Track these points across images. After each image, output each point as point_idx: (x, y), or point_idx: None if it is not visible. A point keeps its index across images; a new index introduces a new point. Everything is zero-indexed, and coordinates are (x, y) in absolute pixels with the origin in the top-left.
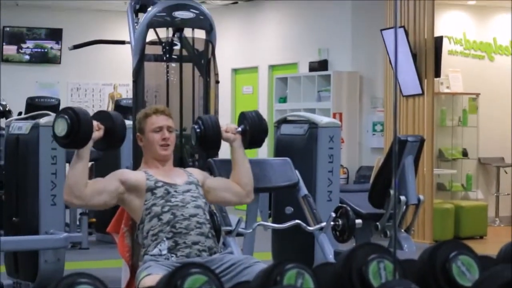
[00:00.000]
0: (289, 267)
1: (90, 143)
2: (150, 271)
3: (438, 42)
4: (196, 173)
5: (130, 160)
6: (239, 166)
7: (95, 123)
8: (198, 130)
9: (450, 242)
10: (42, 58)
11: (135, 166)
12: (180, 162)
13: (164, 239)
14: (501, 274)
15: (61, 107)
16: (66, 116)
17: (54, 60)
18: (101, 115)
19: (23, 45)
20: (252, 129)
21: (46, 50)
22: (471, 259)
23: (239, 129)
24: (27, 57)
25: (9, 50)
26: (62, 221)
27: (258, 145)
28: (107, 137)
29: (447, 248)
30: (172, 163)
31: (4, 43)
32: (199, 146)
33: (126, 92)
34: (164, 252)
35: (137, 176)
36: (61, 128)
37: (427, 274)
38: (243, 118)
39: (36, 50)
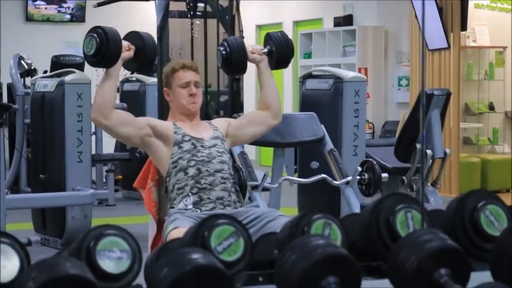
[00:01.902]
0: (316, 217)
1: (120, 63)
2: (177, 224)
3: None
4: (220, 125)
5: (155, 115)
6: (266, 86)
7: (125, 43)
8: (224, 52)
9: (478, 191)
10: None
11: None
12: (205, 118)
13: (189, 194)
14: None
15: (86, 65)
16: (95, 35)
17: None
18: (132, 36)
19: (64, 4)
20: (278, 50)
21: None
22: (499, 209)
23: (265, 50)
24: (68, 16)
25: (45, 9)
26: (88, 178)
27: (285, 66)
28: (138, 57)
29: (475, 197)
30: (199, 117)
31: (31, 1)
32: (225, 68)
33: None
34: (190, 206)
35: (166, 125)
36: (90, 46)
37: (455, 223)
38: (268, 38)
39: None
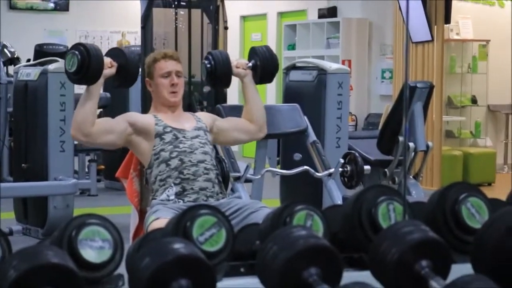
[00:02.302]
0: (299, 208)
1: (101, 80)
2: (159, 214)
3: None
4: (205, 118)
5: (138, 106)
6: (250, 101)
7: (108, 60)
8: (208, 65)
9: (460, 184)
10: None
11: (144, 112)
12: (189, 108)
13: (172, 184)
14: (511, 214)
15: None
16: (76, 52)
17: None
18: (114, 52)
19: None
20: (263, 64)
21: None
22: (480, 201)
23: (250, 64)
24: (52, 4)
25: None
26: (71, 167)
27: (269, 80)
28: (120, 74)
29: (457, 190)
30: (181, 108)
31: None
32: (210, 81)
33: (134, 40)
34: (172, 197)
35: (146, 119)
36: (72, 63)
37: (437, 215)
38: (253, 53)
39: None
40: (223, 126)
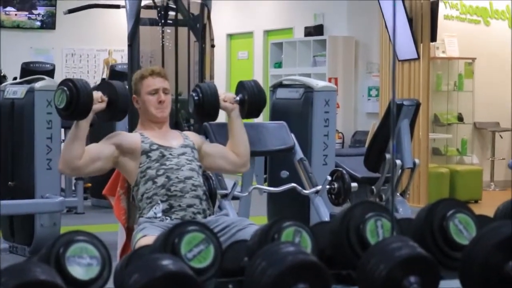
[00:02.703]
0: (287, 225)
1: (91, 115)
2: (146, 232)
3: (434, 6)
4: (192, 137)
5: (125, 123)
6: (236, 135)
7: (98, 94)
8: (196, 98)
9: (448, 200)
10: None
11: (131, 129)
12: (175, 126)
13: (159, 202)
14: (498, 230)
15: (56, 72)
16: (65, 88)
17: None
18: (104, 86)
19: (34, 11)
20: (251, 99)
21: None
22: (468, 217)
23: (237, 98)
24: (39, 23)
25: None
26: (57, 185)
27: (256, 116)
28: (110, 108)
29: (445, 206)
30: (168, 125)
31: (2, 8)
32: (197, 114)
33: (121, 58)
34: (159, 215)
35: (132, 138)
36: (61, 100)
37: (425, 232)
38: (241, 87)
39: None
40: (210, 151)
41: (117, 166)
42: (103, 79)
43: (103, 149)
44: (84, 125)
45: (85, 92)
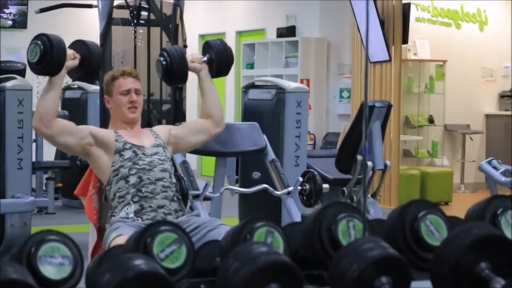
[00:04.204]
0: (259, 225)
1: (64, 71)
2: (121, 231)
3: (406, 8)
4: (162, 132)
5: (97, 123)
6: (207, 95)
7: (70, 51)
8: (164, 62)
9: (419, 201)
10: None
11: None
12: (147, 127)
13: (131, 202)
14: (470, 231)
15: (27, 72)
16: (39, 42)
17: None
18: (77, 44)
19: (6, 10)
20: (218, 57)
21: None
22: (439, 219)
23: (205, 58)
24: (10, 22)
25: None
26: (28, 185)
27: (225, 73)
28: (82, 66)
29: (416, 207)
30: (140, 125)
31: None
32: (166, 78)
33: None
34: (131, 215)
35: (107, 133)
36: (34, 53)
37: (396, 233)
38: (208, 47)
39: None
40: (179, 134)
41: (90, 158)
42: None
43: (79, 129)
44: (57, 81)
45: (58, 46)
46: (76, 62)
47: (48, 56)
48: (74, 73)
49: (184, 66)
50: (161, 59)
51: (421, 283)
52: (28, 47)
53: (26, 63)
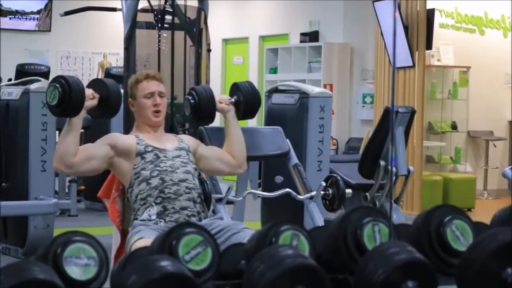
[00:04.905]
0: (285, 228)
1: (83, 112)
2: (142, 234)
3: (430, 14)
4: (188, 140)
5: (120, 127)
6: (232, 137)
7: (89, 91)
8: (192, 101)
9: (445, 206)
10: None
11: (126, 132)
12: (171, 130)
13: (153, 204)
14: (495, 237)
15: (51, 75)
16: (57, 85)
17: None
18: (96, 84)
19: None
20: (246, 100)
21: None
22: (465, 224)
23: (233, 100)
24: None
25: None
26: (51, 187)
27: (251, 116)
28: (102, 105)
29: (442, 212)
30: (163, 129)
31: None
32: (193, 117)
33: (116, 61)
34: (153, 217)
35: (128, 140)
36: (53, 96)
37: (422, 237)
38: (236, 88)
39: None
40: (206, 154)
41: (112, 167)
42: None
43: (99, 149)
44: (76, 122)
45: (77, 88)
46: (95, 102)
47: (67, 98)
48: (93, 112)
49: (212, 106)
50: (190, 98)
51: None
52: (47, 89)
53: (50, 66)
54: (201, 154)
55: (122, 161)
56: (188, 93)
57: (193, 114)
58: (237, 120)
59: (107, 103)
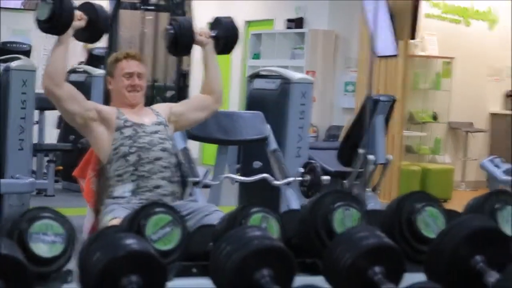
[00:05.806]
0: (255, 211)
1: (71, 31)
2: (115, 214)
3: (416, 4)
4: (162, 110)
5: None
6: (210, 69)
7: (78, 12)
8: (171, 31)
9: (418, 193)
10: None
11: None
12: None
13: (129, 181)
14: (467, 223)
15: (35, 54)
16: (49, 0)
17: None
18: (85, 6)
19: None
20: (226, 35)
21: None
22: (438, 211)
23: (213, 33)
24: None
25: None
26: (28, 166)
27: (228, 51)
28: (89, 28)
29: (415, 199)
30: (142, 105)
31: None
32: (171, 47)
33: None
34: (127, 194)
35: (110, 110)
36: (44, 12)
37: (393, 224)
38: (218, 23)
39: None
40: (180, 111)
41: (90, 133)
42: (81, 62)
43: (85, 100)
44: (65, 40)
45: (67, 6)
46: (83, 23)
47: (57, 15)
48: (80, 34)
49: (190, 37)
50: (169, 28)
51: (414, 275)
52: (38, 6)
53: (32, 45)
54: (176, 114)
55: (102, 130)
56: (168, 23)
57: (171, 44)
58: (215, 55)
59: (95, 26)
